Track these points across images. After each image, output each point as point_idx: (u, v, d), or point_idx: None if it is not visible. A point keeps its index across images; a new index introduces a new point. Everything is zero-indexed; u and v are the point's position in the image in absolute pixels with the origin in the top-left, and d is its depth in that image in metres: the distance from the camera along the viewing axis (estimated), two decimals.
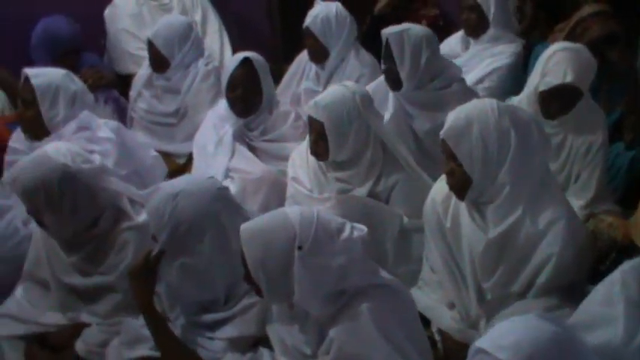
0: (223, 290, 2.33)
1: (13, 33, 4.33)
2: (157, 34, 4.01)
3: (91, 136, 3.19)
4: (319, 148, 2.95)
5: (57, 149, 2.58)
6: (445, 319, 2.63)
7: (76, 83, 3.29)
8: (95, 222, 2.61)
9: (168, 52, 3.99)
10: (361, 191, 2.95)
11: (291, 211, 2.10)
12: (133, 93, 4.19)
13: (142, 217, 2.58)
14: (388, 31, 3.37)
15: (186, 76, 4.05)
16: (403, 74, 3.35)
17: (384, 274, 2.18)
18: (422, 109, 3.41)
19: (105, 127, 3.24)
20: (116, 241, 2.59)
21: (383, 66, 3.46)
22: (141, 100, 4.13)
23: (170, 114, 4.08)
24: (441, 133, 2.49)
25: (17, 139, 3.35)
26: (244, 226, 2.08)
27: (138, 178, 3.24)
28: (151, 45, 4.01)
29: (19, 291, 2.78)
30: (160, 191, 2.33)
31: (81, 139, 3.14)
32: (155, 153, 3.53)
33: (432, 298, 2.70)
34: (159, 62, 4.02)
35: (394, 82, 3.39)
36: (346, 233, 2.07)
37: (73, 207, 2.54)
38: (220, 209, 2.30)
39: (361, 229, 2.12)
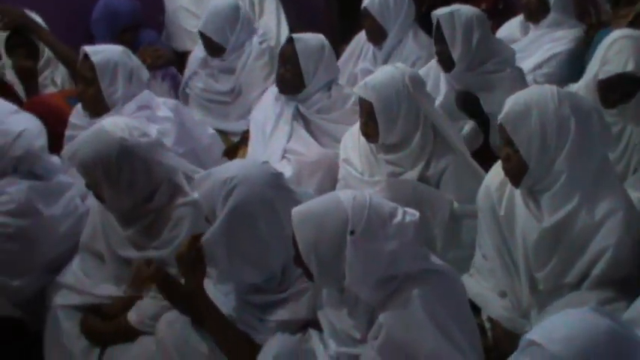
0: (277, 273, 2.33)
1: (75, 9, 4.39)
2: (206, 25, 4.06)
3: (151, 115, 3.24)
4: (369, 130, 2.94)
5: (114, 124, 2.62)
6: (496, 307, 2.61)
7: (132, 60, 3.34)
8: (151, 196, 2.64)
9: (221, 39, 4.03)
10: (412, 174, 2.94)
11: (343, 194, 2.09)
12: (187, 72, 4.23)
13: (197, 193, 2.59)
14: (438, 13, 3.37)
15: (240, 55, 4.09)
16: (455, 55, 3.34)
17: (435, 259, 2.17)
18: (475, 90, 3.38)
19: (164, 106, 3.29)
20: (171, 217, 2.61)
21: (435, 47, 3.44)
22: (197, 78, 4.17)
23: (225, 92, 4.12)
24: (499, 117, 2.46)
25: (77, 114, 3.41)
26: (296, 210, 2.09)
27: (195, 157, 3.28)
28: (203, 36, 4.05)
29: (75, 262, 2.84)
30: (213, 176, 2.33)
31: (141, 119, 3.19)
32: (212, 131, 3.56)
33: (483, 285, 2.67)
34: (214, 49, 4.06)
35: (446, 64, 3.37)
36: (398, 218, 2.06)
37: (130, 181, 2.58)
38: (274, 195, 2.30)
39: (413, 213, 2.11)
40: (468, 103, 3.34)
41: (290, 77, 3.45)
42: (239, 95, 4.10)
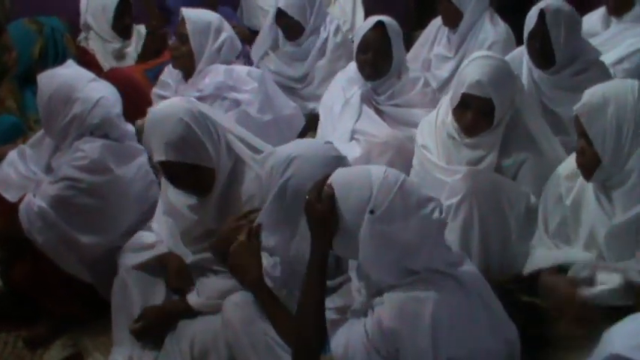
0: (331, 259, 2.26)
1: None
2: (288, 3, 4.05)
3: (236, 85, 3.31)
4: (479, 126, 2.86)
5: (181, 107, 2.59)
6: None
7: (227, 30, 3.48)
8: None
9: (302, 18, 4.03)
10: (489, 161, 2.88)
11: (376, 171, 2.04)
12: (257, 52, 4.24)
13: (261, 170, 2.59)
14: (545, 6, 3.25)
15: (314, 41, 4.08)
16: (558, 53, 3.24)
17: (467, 267, 2.09)
18: (558, 91, 3.32)
19: (249, 76, 3.38)
20: (241, 194, 2.61)
21: (530, 41, 3.35)
22: (268, 59, 4.19)
23: (297, 79, 4.13)
24: (575, 108, 2.42)
25: (168, 73, 3.59)
26: (335, 173, 2.07)
27: (277, 126, 3.34)
28: (284, 15, 4.04)
29: (158, 214, 2.88)
30: (276, 153, 2.34)
31: (226, 88, 3.28)
32: (294, 103, 3.60)
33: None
34: (294, 30, 4.06)
35: (545, 60, 3.28)
36: (426, 211, 1.99)
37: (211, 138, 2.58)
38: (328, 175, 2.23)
39: (443, 211, 2.04)
40: None
41: (380, 62, 3.43)
42: (309, 84, 4.11)
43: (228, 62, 3.45)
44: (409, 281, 1.99)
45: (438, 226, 2.01)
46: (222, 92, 3.35)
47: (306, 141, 2.67)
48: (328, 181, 2.05)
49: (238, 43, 3.52)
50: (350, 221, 2.01)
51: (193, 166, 2.55)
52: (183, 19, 3.40)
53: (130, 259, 2.85)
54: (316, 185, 2.09)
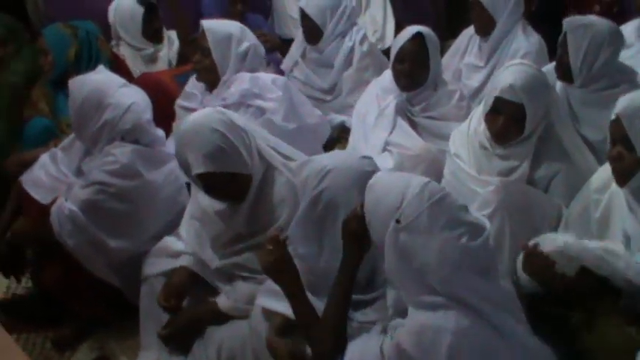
0: (364, 274, 2.26)
1: None
2: (308, 3, 4.05)
3: (261, 93, 3.30)
4: (511, 132, 2.82)
5: (204, 113, 2.61)
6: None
7: (249, 38, 3.44)
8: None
9: (320, 21, 4.02)
10: (521, 172, 2.85)
11: (416, 181, 2.02)
12: (289, 60, 4.24)
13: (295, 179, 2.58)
14: (569, 22, 3.19)
15: (338, 49, 4.07)
16: (575, 71, 3.18)
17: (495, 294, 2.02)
18: (585, 107, 3.25)
19: (273, 85, 3.35)
20: (272, 199, 2.61)
21: (557, 51, 3.32)
22: (297, 69, 4.19)
23: (325, 90, 4.11)
24: (616, 111, 2.37)
25: (192, 84, 3.54)
26: (377, 174, 2.10)
27: (302, 135, 3.33)
28: (303, 14, 4.05)
29: (186, 218, 2.89)
30: (312, 163, 2.34)
31: (251, 95, 3.26)
32: (319, 112, 3.59)
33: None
34: (312, 32, 4.06)
35: (563, 73, 3.25)
36: (451, 234, 1.94)
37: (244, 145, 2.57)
38: (361, 193, 2.17)
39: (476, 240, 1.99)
40: None
41: (417, 74, 3.40)
42: (338, 96, 4.09)
43: (254, 70, 3.43)
44: (430, 301, 1.96)
45: (463, 251, 1.95)
46: (246, 100, 3.33)
47: (343, 153, 2.67)
48: (368, 187, 2.06)
49: (262, 50, 3.49)
50: (377, 228, 2.02)
51: (232, 175, 2.55)
52: (203, 32, 3.37)
53: (152, 265, 2.87)
54: (348, 202, 2.14)
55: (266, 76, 3.41)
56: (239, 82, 3.35)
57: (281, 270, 2.23)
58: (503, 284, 2.08)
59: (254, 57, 3.43)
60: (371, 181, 2.08)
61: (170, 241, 2.89)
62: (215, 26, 3.38)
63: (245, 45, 3.39)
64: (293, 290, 2.23)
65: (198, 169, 2.51)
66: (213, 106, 3.17)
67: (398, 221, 1.96)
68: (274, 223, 2.58)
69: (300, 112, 3.42)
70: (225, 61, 3.36)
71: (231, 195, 2.62)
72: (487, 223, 2.08)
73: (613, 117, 2.40)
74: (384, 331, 2.08)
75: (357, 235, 2.12)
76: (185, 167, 2.59)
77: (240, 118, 2.68)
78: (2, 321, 2.39)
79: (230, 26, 3.42)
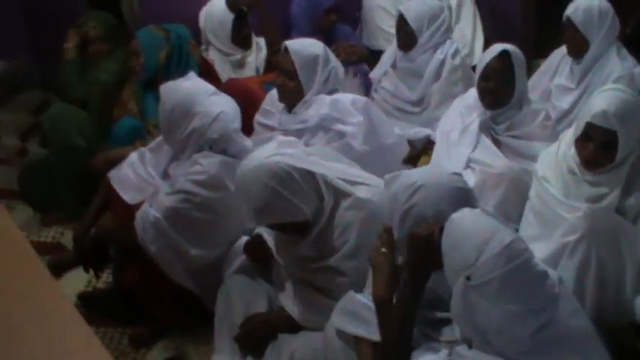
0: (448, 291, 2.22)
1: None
2: (408, 7, 4.03)
3: (340, 117, 3.28)
4: (602, 158, 2.76)
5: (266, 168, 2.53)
6: None
7: (332, 59, 3.40)
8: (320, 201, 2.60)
9: (417, 27, 3.99)
10: (611, 199, 2.78)
11: (500, 236, 1.93)
12: (378, 71, 4.23)
13: (361, 193, 2.57)
14: None
15: (429, 60, 4.04)
16: None
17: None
18: None
19: (353, 107, 3.30)
20: (338, 223, 2.58)
21: None
22: (386, 79, 4.17)
23: (413, 102, 4.08)
24: None
25: (271, 101, 3.51)
26: (462, 213, 2.04)
27: (380, 155, 3.30)
28: (401, 18, 4.03)
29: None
30: (401, 178, 2.32)
31: (331, 119, 3.26)
32: (398, 132, 3.56)
33: None
34: (407, 38, 4.03)
35: None
36: (514, 309, 1.88)
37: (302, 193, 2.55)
38: (450, 208, 2.16)
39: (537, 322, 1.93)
40: None
41: (502, 92, 3.36)
42: (426, 108, 4.06)
43: (333, 91, 3.38)
44: (490, 350, 1.94)
45: (529, 336, 1.91)
46: (326, 124, 3.30)
47: (433, 170, 2.63)
48: (449, 221, 2.03)
49: (342, 71, 3.47)
50: (448, 269, 2.01)
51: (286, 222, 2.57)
52: (287, 53, 3.30)
53: (231, 265, 2.91)
54: (437, 218, 2.10)
55: (346, 99, 3.33)
56: (319, 106, 3.30)
57: (388, 273, 2.22)
58: (575, 324, 2.02)
59: (335, 79, 3.39)
60: (454, 216, 2.04)
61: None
62: (300, 48, 3.31)
63: (329, 67, 3.35)
64: (386, 298, 2.21)
65: (250, 222, 2.65)
66: (290, 128, 3.30)
67: (468, 278, 1.93)
68: (342, 247, 2.56)
69: (379, 132, 3.36)
70: (311, 83, 3.32)
71: (290, 233, 2.64)
72: (564, 292, 2.03)
73: None
74: (450, 354, 2.05)
75: (424, 254, 2.10)
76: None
77: (302, 155, 2.64)
78: (83, 313, 2.44)
79: (315, 47, 3.35)
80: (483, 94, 3.40)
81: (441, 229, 2.06)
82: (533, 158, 3.12)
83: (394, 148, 3.45)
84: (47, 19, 5.40)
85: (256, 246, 2.84)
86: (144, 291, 3.08)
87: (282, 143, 2.67)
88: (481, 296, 1.91)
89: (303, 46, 3.34)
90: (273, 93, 3.48)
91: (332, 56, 3.43)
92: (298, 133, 3.27)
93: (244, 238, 2.95)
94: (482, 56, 3.46)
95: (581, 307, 2.13)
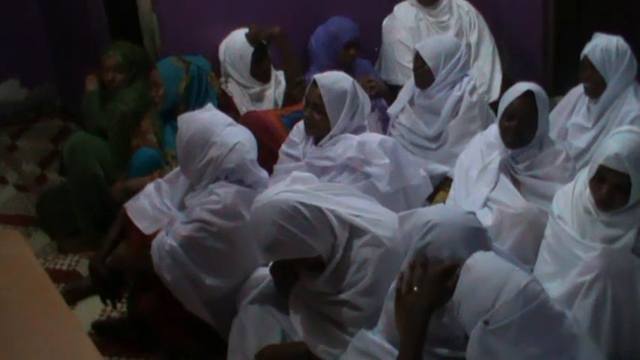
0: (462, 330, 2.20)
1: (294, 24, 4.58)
2: (424, 45, 4.06)
3: (367, 159, 3.30)
4: (616, 200, 2.75)
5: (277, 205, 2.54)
6: None
7: (359, 95, 3.42)
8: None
9: (433, 65, 4.01)
10: (626, 240, 2.76)
11: (516, 279, 1.95)
12: (396, 107, 4.25)
13: (379, 230, 2.57)
14: None
15: (447, 97, 4.05)
16: None
17: None
18: None
19: (381, 148, 3.30)
20: (355, 259, 2.57)
21: None
22: (404, 115, 4.19)
23: (431, 138, 4.09)
24: None
25: (297, 133, 3.55)
26: (479, 257, 2.05)
27: (403, 194, 3.31)
28: (417, 56, 4.06)
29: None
30: (416, 215, 2.31)
31: (356, 161, 3.28)
32: (424, 173, 3.54)
33: None
34: (424, 76, 4.05)
35: None
36: (535, 352, 1.89)
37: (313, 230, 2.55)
38: (465, 247, 2.18)
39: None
40: None
41: (524, 131, 3.35)
42: (443, 145, 4.07)
43: (359, 128, 3.41)
44: None
45: None
46: (352, 164, 3.32)
47: (448, 208, 2.63)
48: (464, 267, 2.03)
49: (369, 107, 3.49)
50: (464, 315, 2.00)
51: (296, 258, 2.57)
52: (316, 86, 3.34)
53: (247, 296, 2.91)
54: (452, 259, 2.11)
55: (373, 140, 3.33)
56: (346, 147, 3.32)
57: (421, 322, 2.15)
58: None
59: (361, 115, 3.42)
60: (468, 262, 2.04)
61: (264, 272, 2.93)
62: (329, 83, 3.35)
63: (357, 102, 3.38)
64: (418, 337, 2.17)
65: (261, 258, 2.69)
66: (316, 164, 3.34)
67: (486, 322, 1.92)
68: (358, 282, 2.56)
69: (404, 174, 3.37)
70: (337, 117, 3.35)
71: (303, 270, 2.64)
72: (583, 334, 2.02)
73: None
74: None
75: (439, 295, 2.11)
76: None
77: (315, 193, 2.62)
78: (96, 342, 2.45)
79: (344, 82, 3.39)
80: (505, 133, 3.39)
81: (452, 268, 2.08)
82: (551, 199, 3.09)
83: (417, 189, 3.45)
84: (71, 48, 5.49)
85: (284, 268, 2.80)
86: (158, 318, 3.09)
87: (296, 179, 2.69)
88: (500, 340, 1.91)
89: (332, 81, 3.38)
90: (300, 125, 3.53)
91: (360, 91, 3.46)
92: (324, 170, 3.29)
93: (260, 270, 2.95)
94: (506, 95, 3.45)
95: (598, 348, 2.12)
